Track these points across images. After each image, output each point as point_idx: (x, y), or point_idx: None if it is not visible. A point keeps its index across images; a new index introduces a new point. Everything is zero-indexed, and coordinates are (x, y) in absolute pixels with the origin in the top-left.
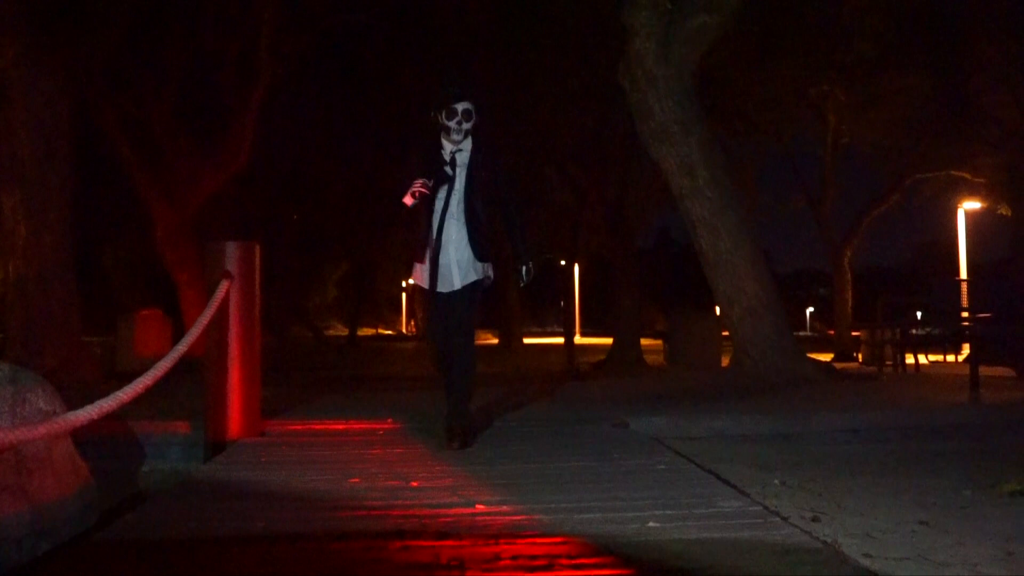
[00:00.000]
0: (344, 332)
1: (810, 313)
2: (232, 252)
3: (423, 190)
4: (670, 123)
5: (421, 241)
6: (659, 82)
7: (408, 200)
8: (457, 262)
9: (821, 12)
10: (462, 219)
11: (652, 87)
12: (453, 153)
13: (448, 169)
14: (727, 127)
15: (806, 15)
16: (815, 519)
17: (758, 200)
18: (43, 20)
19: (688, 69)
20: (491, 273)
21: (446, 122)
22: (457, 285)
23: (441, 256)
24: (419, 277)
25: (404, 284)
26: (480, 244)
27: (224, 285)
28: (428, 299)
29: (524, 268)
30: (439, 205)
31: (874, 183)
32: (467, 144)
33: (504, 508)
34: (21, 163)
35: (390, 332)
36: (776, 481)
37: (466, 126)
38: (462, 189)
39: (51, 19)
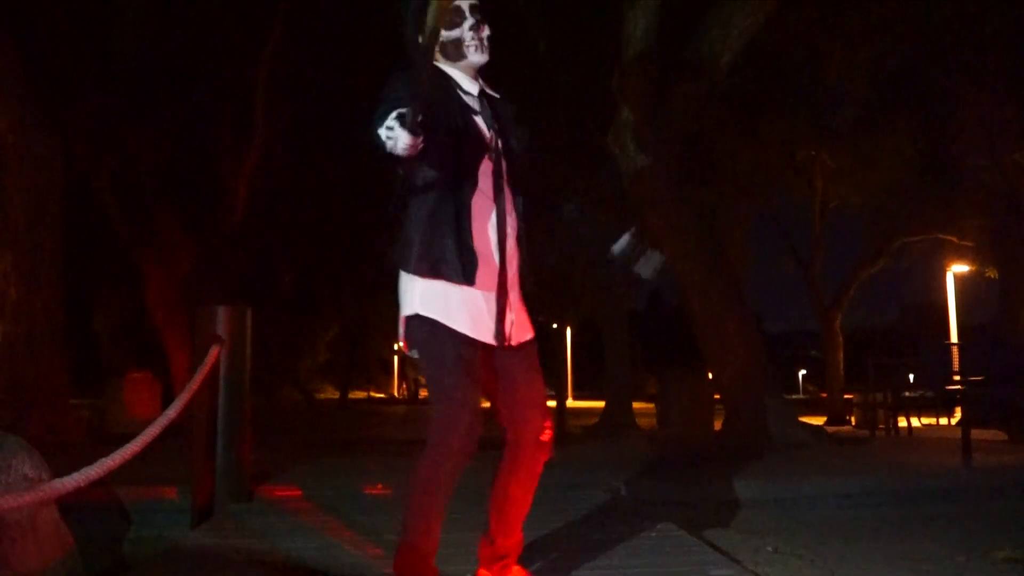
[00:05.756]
0: (335, 395)
1: (802, 375)
2: (223, 316)
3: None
4: (660, 187)
5: (451, 239)
6: (648, 147)
7: (407, 142)
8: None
9: (807, 78)
10: (512, 220)
11: (641, 152)
12: (484, 93)
13: (480, 122)
14: (716, 190)
15: (792, 80)
16: None
17: (748, 262)
18: (38, 85)
19: (677, 134)
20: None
21: (449, 32)
22: (508, 335)
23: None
24: (444, 307)
25: (396, 347)
26: (528, 275)
27: (214, 350)
28: (452, 350)
29: None
30: (471, 189)
31: (863, 245)
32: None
33: None
34: (14, 226)
35: (382, 395)
36: (769, 548)
37: (487, 33)
38: (503, 166)
39: (46, 84)
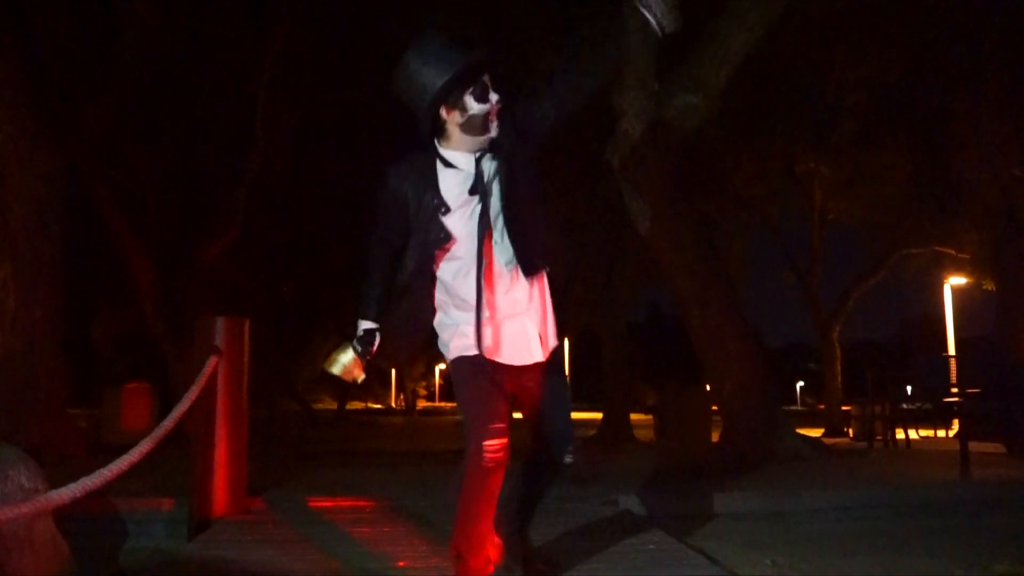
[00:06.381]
0: (333, 405)
1: (800, 388)
2: (221, 327)
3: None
4: (659, 200)
5: (460, 319)
6: (647, 161)
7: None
8: (531, 318)
9: (806, 91)
10: (518, 258)
11: (640, 166)
12: (479, 159)
13: (469, 214)
14: (715, 203)
15: (791, 93)
16: None
17: (747, 275)
18: (40, 96)
19: (676, 147)
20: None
21: (476, 105)
22: (538, 355)
23: (506, 319)
24: (462, 341)
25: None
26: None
27: (212, 361)
28: (468, 371)
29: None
30: (469, 265)
31: (861, 258)
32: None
33: None
34: (14, 237)
35: (379, 406)
36: (768, 561)
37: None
38: (498, 204)
39: (48, 95)
